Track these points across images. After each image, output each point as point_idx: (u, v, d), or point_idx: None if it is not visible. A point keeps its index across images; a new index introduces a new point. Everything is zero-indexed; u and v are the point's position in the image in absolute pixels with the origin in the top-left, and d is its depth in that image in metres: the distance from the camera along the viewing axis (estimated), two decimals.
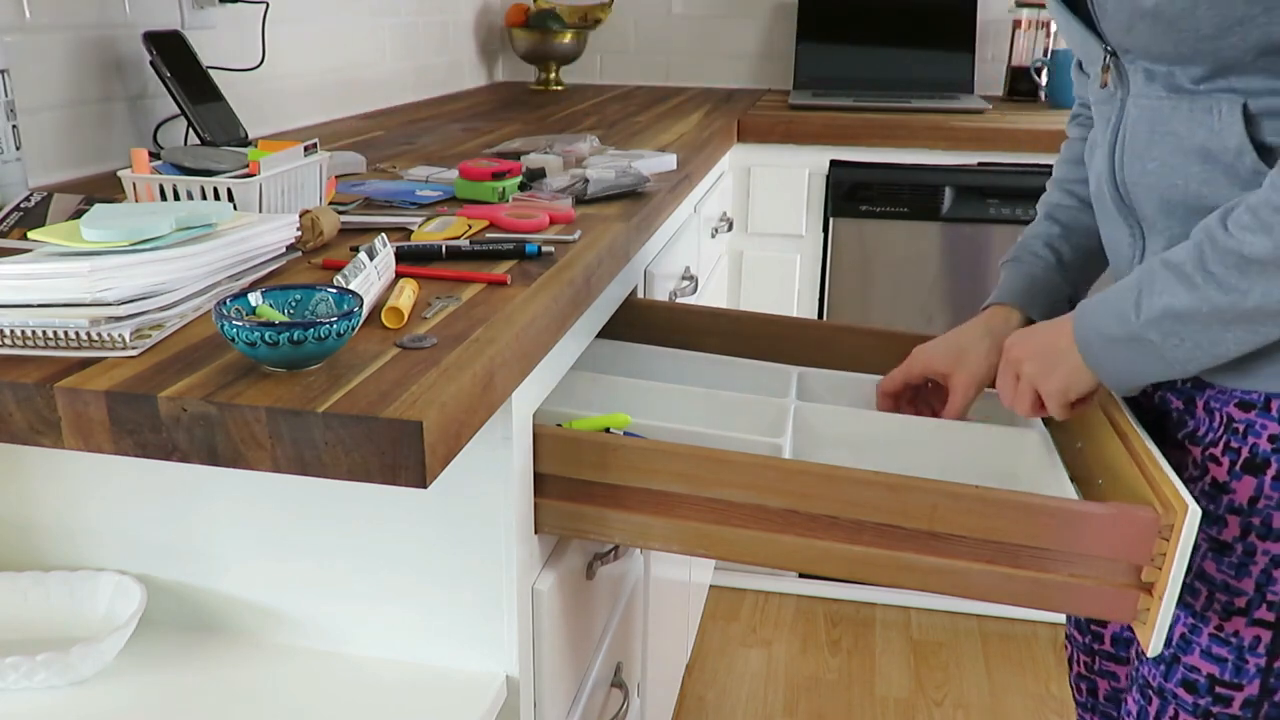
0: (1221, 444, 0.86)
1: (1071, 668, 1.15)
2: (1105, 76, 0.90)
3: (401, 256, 0.93)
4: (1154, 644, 0.81)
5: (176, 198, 0.97)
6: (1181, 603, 0.89)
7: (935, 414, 1.09)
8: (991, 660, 2.09)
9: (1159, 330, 0.80)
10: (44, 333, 0.71)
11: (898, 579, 0.86)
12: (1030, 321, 1.06)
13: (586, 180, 1.19)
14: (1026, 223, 1.97)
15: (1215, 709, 0.89)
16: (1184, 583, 0.88)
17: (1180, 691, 0.90)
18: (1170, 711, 0.91)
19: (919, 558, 0.85)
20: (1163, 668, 0.91)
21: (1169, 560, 0.79)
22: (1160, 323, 0.80)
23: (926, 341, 1.12)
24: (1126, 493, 0.88)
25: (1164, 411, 0.95)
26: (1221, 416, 0.86)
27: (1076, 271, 1.08)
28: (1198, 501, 0.87)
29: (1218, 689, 0.88)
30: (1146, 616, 0.82)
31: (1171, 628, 0.90)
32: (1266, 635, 0.85)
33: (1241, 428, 0.84)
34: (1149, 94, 0.85)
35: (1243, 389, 0.84)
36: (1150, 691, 0.93)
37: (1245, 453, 0.84)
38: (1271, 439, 0.83)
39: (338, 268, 0.91)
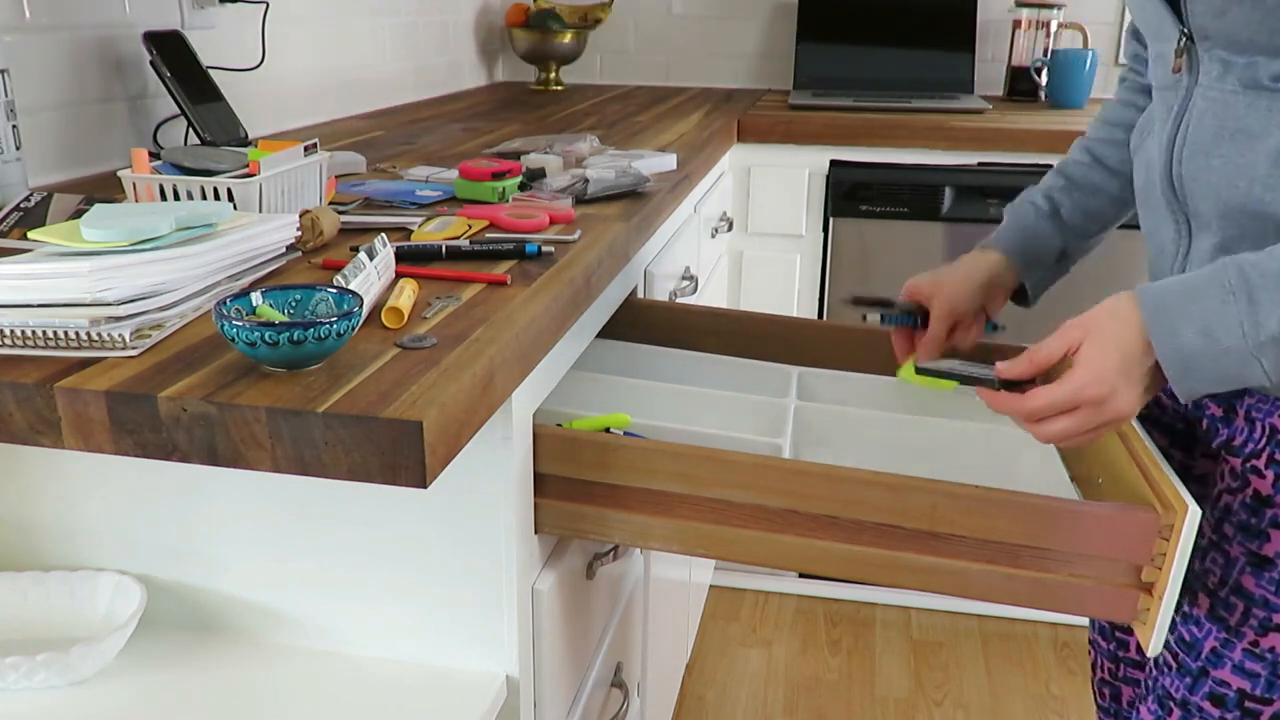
0: (1265, 456, 0.83)
1: (1094, 673, 1.14)
2: (1179, 62, 0.84)
3: (401, 256, 0.93)
4: (1154, 644, 0.81)
5: (176, 198, 0.97)
6: (1214, 616, 0.87)
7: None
8: (991, 660, 2.09)
9: (1276, 351, 0.73)
10: (44, 333, 0.71)
11: (898, 579, 0.86)
12: (1013, 269, 1.07)
13: (586, 180, 1.19)
14: None
15: (1120, 654, 0.88)
16: (1219, 596, 0.87)
17: (1206, 705, 0.88)
18: (1099, 661, 0.89)
19: (919, 558, 0.85)
20: (1188, 680, 0.89)
21: (1169, 560, 0.79)
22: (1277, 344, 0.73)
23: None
24: (1126, 493, 0.88)
25: (1194, 419, 0.93)
26: (1265, 427, 0.84)
27: (1072, 226, 1.08)
28: (1238, 514, 0.86)
29: (1247, 704, 0.86)
30: (1146, 616, 0.82)
31: (1201, 641, 0.88)
32: None
33: None
34: (1221, 87, 0.81)
35: None
36: (1171, 703, 0.91)
37: None
38: None
39: (338, 268, 0.91)
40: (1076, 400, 0.79)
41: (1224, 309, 0.74)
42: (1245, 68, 0.79)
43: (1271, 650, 0.84)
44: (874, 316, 1.08)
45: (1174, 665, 0.90)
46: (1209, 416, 0.91)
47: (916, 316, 1.08)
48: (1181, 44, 0.84)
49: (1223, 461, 0.88)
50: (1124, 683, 1.10)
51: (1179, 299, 0.76)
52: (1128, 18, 1.05)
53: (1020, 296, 1.12)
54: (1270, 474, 0.83)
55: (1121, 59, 1.12)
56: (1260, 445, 0.84)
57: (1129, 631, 1.08)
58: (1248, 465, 0.85)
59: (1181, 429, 0.98)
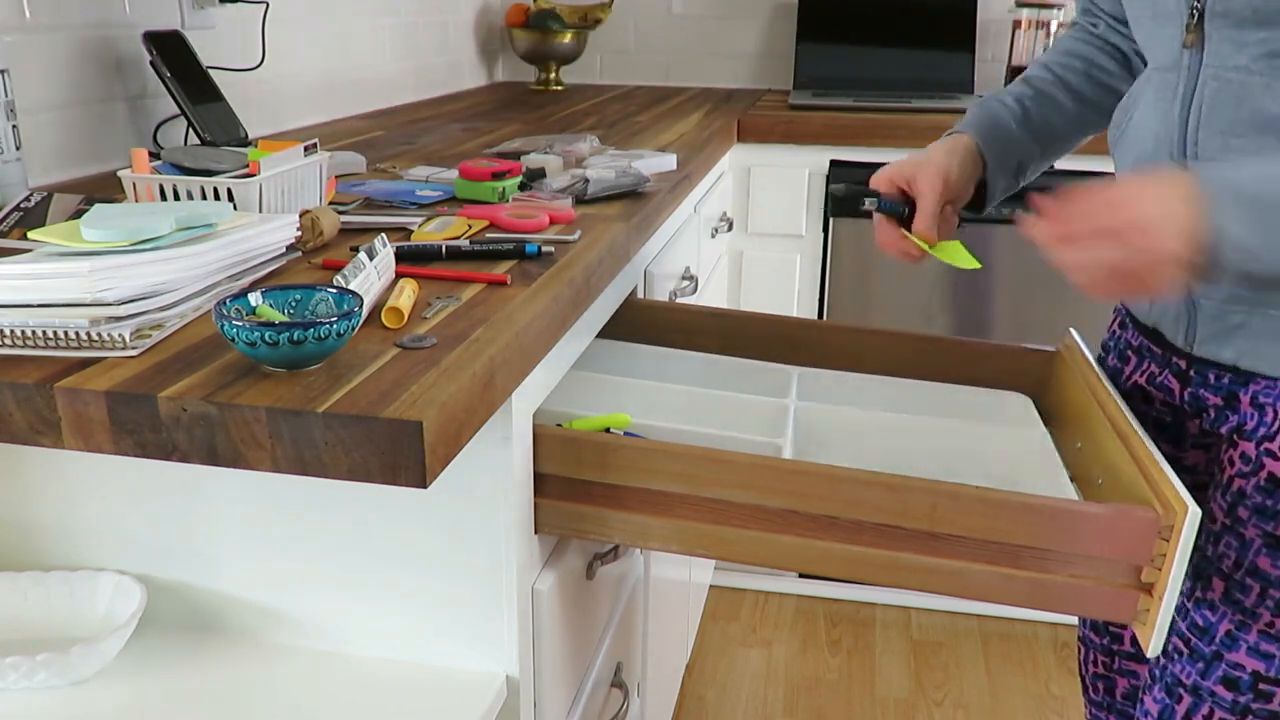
0: (1279, 439, 0.84)
1: (1086, 669, 1.15)
2: (1190, 38, 0.82)
3: (401, 256, 0.93)
4: (1153, 645, 0.81)
5: (176, 198, 0.97)
6: (1229, 599, 0.88)
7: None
8: (991, 660, 2.09)
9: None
10: (44, 333, 0.71)
11: (898, 579, 0.86)
12: (981, 159, 1.03)
13: (586, 180, 1.19)
14: None
15: (1256, 705, 0.87)
16: (1234, 579, 0.87)
17: (1220, 689, 0.88)
18: (1205, 709, 0.90)
19: (919, 558, 0.85)
20: (1201, 665, 0.90)
21: (1169, 561, 0.79)
22: None
23: (927, 337, 1.12)
24: (1126, 493, 0.88)
25: (1196, 410, 0.94)
26: (1274, 411, 0.85)
27: (1036, 137, 1.06)
28: (1253, 497, 0.86)
29: (1261, 685, 0.87)
30: (1146, 617, 0.82)
31: (1215, 625, 0.89)
32: None
33: None
34: (1235, 66, 0.78)
35: None
36: (1181, 690, 0.91)
37: None
38: None
39: (338, 268, 0.91)
40: (1116, 217, 0.72)
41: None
42: (1260, 43, 0.76)
43: None
44: (872, 201, 1.03)
45: (1185, 651, 0.91)
46: (1212, 406, 0.92)
47: (904, 206, 1.03)
48: (1193, 20, 0.81)
49: (1230, 447, 0.89)
50: (1119, 674, 1.11)
51: (1234, 181, 0.73)
52: None
53: (975, 199, 1.08)
54: None
55: (1074, 14, 1.12)
56: (1273, 429, 0.85)
57: (1123, 625, 1.09)
58: (1262, 449, 0.85)
59: (1170, 421, 0.98)
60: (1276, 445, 0.85)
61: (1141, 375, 1.01)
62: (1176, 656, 0.92)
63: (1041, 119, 1.06)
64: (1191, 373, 0.93)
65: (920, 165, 1.01)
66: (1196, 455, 0.99)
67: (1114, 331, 1.08)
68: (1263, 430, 0.86)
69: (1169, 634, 0.93)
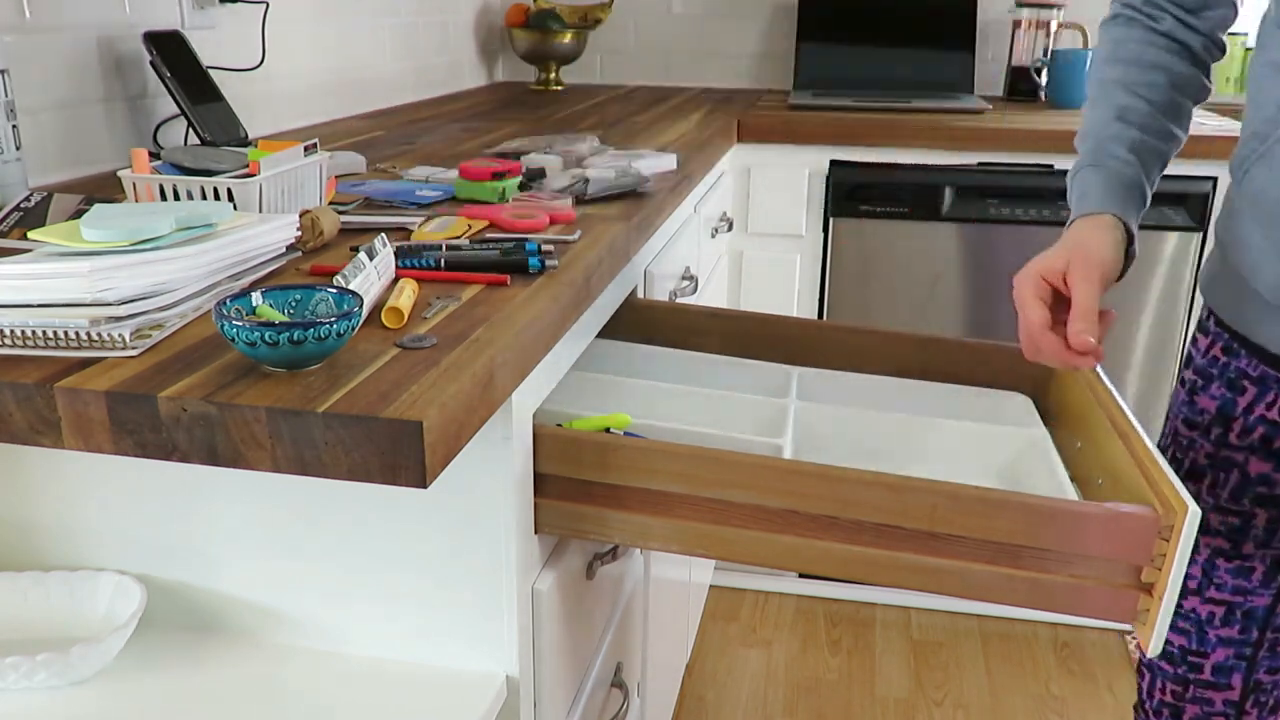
0: None
1: (1150, 698, 1.12)
2: None
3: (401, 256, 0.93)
4: (1153, 645, 0.81)
5: (176, 198, 0.97)
6: None
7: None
8: (991, 660, 2.09)
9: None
10: (44, 333, 0.71)
11: (897, 579, 0.86)
12: (1124, 227, 0.94)
13: (586, 180, 1.19)
14: (1027, 223, 1.98)
15: (1192, 676, 0.97)
16: None
17: (1163, 664, 0.99)
18: (1159, 683, 1.01)
19: (919, 558, 0.85)
20: None
21: (1169, 561, 0.79)
22: None
23: (927, 337, 1.12)
24: (1126, 493, 0.88)
25: None
26: None
27: (1150, 179, 0.98)
28: None
29: (1190, 657, 0.96)
30: (1146, 617, 0.82)
31: None
32: (1219, 610, 0.95)
33: None
34: None
35: None
36: (1144, 668, 1.02)
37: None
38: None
39: (329, 273, 0.91)
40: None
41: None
42: None
43: (1194, 611, 0.95)
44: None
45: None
46: None
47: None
48: None
49: None
50: (1191, 703, 1.09)
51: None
52: None
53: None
54: None
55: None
56: None
57: (1205, 655, 1.06)
58: None
59: None
60: None
61: (1274, 410, 0.97)
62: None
63: (1155, 158, 0.99)
64: None
65: (1077, 252, 0.90)
66: None
67: (1214, 357, 1.02)
68: None
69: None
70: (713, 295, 1.90)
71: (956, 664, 2.07)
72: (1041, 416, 1.11)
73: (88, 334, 0.71)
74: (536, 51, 2.54)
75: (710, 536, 0.87)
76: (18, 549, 0.91)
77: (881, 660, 2.08)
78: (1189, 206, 1.93)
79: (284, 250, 0.91)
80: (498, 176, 1.18)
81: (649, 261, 1.31)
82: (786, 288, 2.11)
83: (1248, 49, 2.37)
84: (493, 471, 0.81)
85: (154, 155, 1.04)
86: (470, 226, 1.06)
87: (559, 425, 0.93)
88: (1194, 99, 1.01)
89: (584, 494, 0.90)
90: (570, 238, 1.02)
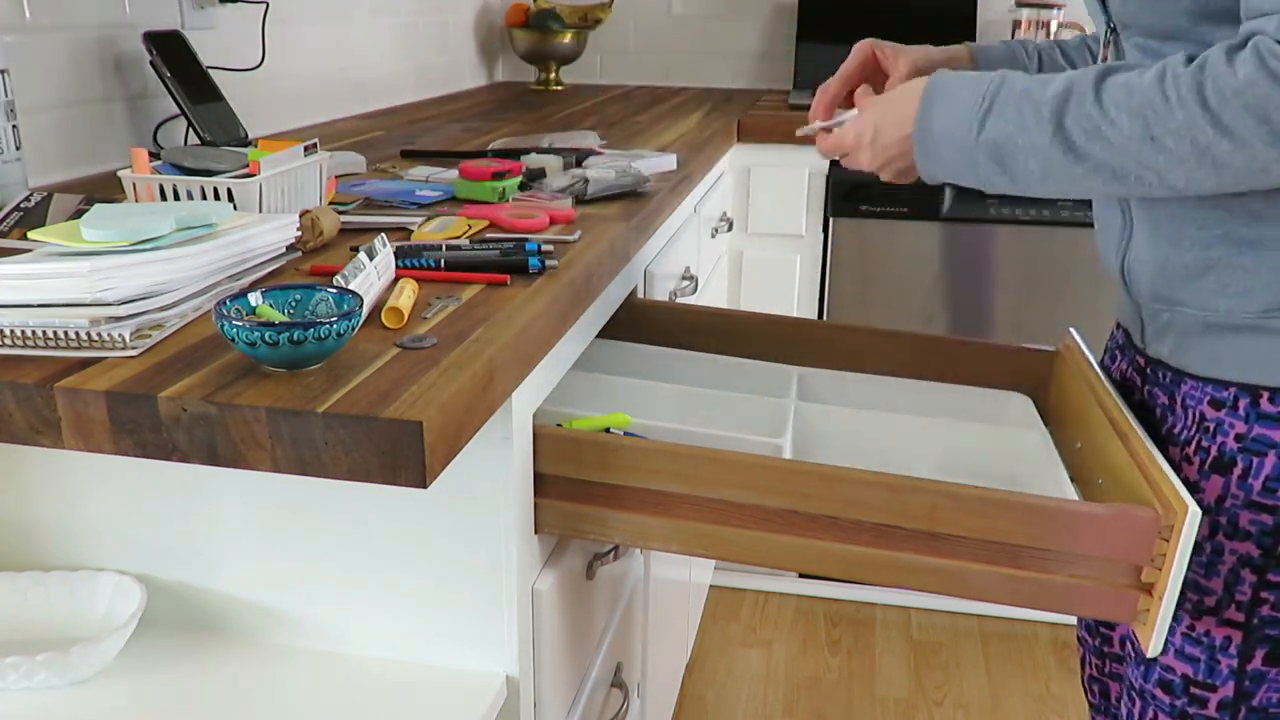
0: (1194, 443, 0.87)
1: (1084, 669, 1.15)
2: (1105, 52, 0.89)
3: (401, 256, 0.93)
4: (1154, 644, 0.81)
5: (176, 198, 0.97)
6: None
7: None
8: (991, 660, 2.09)
9: (990, 154, 0.80)
10: (44, 333, 0.71)
11: (897, 579, 0.86)
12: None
13: (586, 180, 1.19)
14: (1027, 223, 1.98)
15: (1192, 710, 0.88)
16: None
17: (1158, 692, 0.90)
18: (1151, 713, 0.91)
19: (919, 558, 0.85)
20: (1142, 669, 0.91)
21: (1169, 561, 0.79)
22: (995, 148, 0.79)
23: (927, 337, 1.12)
24: (1126, 493, 0.88)
25: (1151, 408, 0.95)
26: (1195, 415, 0.87)
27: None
28: None
29: (1193, 689, 0.88)
30: (1146, 617, 0.82)
31: None
32: (1237, 636, 0.85)
33: (1211, 426, 0.85)
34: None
35: (1214, 385, 0.85)
36: (1134, 693, 0.93)
37: (1214, 451, 0.85)
38: (1238, 438, 0.83)
39: (329, 274, 0.91)
40: (839, 146, 0.94)
41: (969, 105, 0.81)
42: (1159, 52, 0.81)
43: (1207, 634, 0.86)
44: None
45: (1132, 655, 0.92)
46: (1160, 405, 0.93)
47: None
48: (1108, 34, 0.88)
49: (1164, 451, 0.91)
50: (1110, 678, 1.11)
51: (951, 89, 0.83)
52: None
53: None
54: (1197, 460, 0.86)
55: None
56: (1191, 433, 0.87)
57: (1111, 626, 1.09)
58: (1182, 454, 0.88)
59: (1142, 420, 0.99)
60: (1192, 449, 0.87)
61: (1118, 371, 1.03)
62: (1128, 661, 0.94)
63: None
64: (1148, 370, 0.96)
65: (902, 52, 1.05)
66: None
67: (1112, 332, 1.09)
68: (1185, 434, 0.88)
69: (1130, 640, 0.95)
70: (713, 295, 1.90)
71: (956, 664, 2.07)
72: (1041, 416, 1.11)
73: (88, 334, 0.71)
74: (536, 51, 2.54)
75: (710, 536, 0.87)
76: (18, 549, 0.91)
77: (881, 660, 2.08)
78: None
79: (284, 250, 0.91)
80: (498, 176, 1.18)
81: (649, 261, 1.31)
82: (786, 288, 2.11)
83: None
84: (493, 471, 0.81)
85: (154, 155, 1.04)
86: (470, 226, 1.06)
87: (559, 425, 0.93)
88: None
89: (584, 494, 0.90)
90: (570, 238, 1.02)
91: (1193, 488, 0.86)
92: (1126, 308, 0.97)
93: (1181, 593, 0.87)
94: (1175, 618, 0.88)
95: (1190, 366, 0.87)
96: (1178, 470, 0.88)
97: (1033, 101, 0.77)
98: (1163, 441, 0.92)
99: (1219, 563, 0.85)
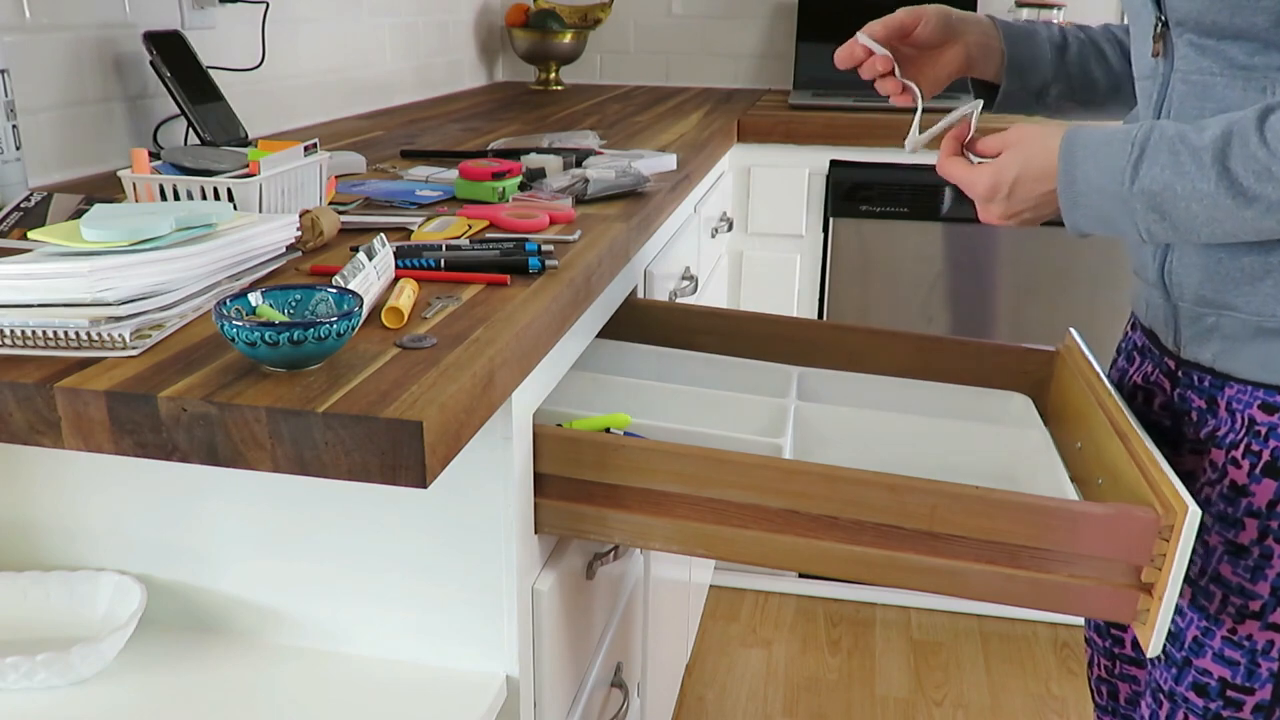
0: (1242, 446, 0.85)
1: (1091, 670, 1.15)
2: (1156, 46, 0.87)
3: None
4: (1154, 644, 0.81)
5: (176, 198, 0.97)
6: (1195, 605, 0.88)
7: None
8: (991, 660, 2.09)
9: (1147, 203, 0.78)
10: (44, 333, 0.71)
11: (898, 579, 0.86)
12: (1000, 54, 1.03)
13: (586, 180, 1.19)
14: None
15: (1226, 713, 0.87)
16: (1199, 585, 0.88)
17: (1191, 695, 0.89)
18: (1180, 715, 0.90)
19: (919, 558, 0.85)
20: (1174, 671, 0.90)
21: (1169, 561, 0.79)
22: (1152, 196, 0.77)
23: (927, 337, 1.11)
24: (1126, 493, 0.88)
25: (1183, 411, 0.94)
26: (1244, 419, 0.85)
27: (1067, 67, 1.05)
28: (1216, 504, 0.87)
29: (1229, 693, 0.87)
30: (1146, 617, 0.82)
31: (1184, 630, 0.89)
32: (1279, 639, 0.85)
33: (1264, 430, 0.84)
34: (1199, 69, 0.82)
35: (1265, 389, 0.84)
36: (1161, 695, 0.92)
37: (1266, 456, 0.83)
38: None
39: (330, 273, 0.91)
40: (969, 190, 0.89)
41: (1118, 155, 0.79)
42: (1216, 49, 0.80)
43: (1249, 638, 0.86)
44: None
45: (1163, 658, 0.91)
46: (1195, 409, 0.92)
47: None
48: (1158, 29, 0.86)
49: (1205, 454, 0.89)
50: (1120, 680, 1.10)
51: (1094, 142, 0.81)
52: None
53: (987, 89, 1.07)
54: (1246, 464, 0.85)
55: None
56: (1240, 436, 0.86)
57: (1124, 628, 1.09)
58: (1228, 456, 0.87)
59: (1168, 425, 0.98)
60: (1240, 453, 0.85)
61: (1139, 375, 1.02)
62: (1158, 662, 0.93)
63: (1080, 56, 1.04)
64: (1179, 374, 0.94)
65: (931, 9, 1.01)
66: (1193, 460, 0.99)
67: (1126, 333, 1.08)
68: (1231, 438, 0.86)
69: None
70: (713, 295, 1.90)
71: (956, 664, 2.07)
72: (1041, 416, 1.11)
73: (88, 334, 0.71)
74: (536, 51, 2.54)
75: (710, 536, 0.87)
76: (18, 549, 0.91)
77: (881, 660, 2.08)
78: None
79: (284, 250, 0.91)
80: (498, 176, 1.18)
81: (649, 261, 1.31)
82: (786, 288, 2.11)
83: None
84: (493, 471, 0.81)
85: (154, 155, 1.04)
86: (470, 226, 1.06)
87: (559, 425, 0.93)
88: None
89: (584, 494, 0.90)
90: (570, 238, 1.02)
91: (1241, 491, 0.85)
92: (1157, 310, 0.95)
93: (1225, 597, 0.86)
94: (1216, 622, 0.87)
95: (1238, 371, 0.86)
96: (1224, 474, 0.86)
97: (1189, 146, 0.75)
98: (1202, 444, 0.91)
99: (1266, 567, 0.84)
